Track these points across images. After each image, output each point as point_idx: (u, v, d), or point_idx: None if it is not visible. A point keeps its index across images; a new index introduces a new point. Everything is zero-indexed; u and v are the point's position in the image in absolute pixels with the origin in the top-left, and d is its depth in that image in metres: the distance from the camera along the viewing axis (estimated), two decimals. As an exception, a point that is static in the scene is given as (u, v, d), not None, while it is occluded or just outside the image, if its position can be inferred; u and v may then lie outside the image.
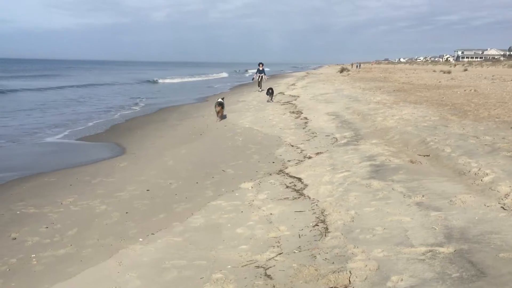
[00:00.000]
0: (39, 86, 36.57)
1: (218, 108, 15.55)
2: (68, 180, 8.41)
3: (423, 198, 5.83)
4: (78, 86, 37.88)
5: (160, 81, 49.37)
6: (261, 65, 27.87)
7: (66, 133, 14.11)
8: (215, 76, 63.96)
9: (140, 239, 5.45)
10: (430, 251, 4.32)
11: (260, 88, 27.01)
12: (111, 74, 66.97)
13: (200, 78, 58.36)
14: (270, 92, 21.62)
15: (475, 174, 6.74)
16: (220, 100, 15.97)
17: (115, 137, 13.18)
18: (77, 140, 12.88)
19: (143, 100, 26.52)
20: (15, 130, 14.66)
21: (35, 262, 4.96)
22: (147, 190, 7.57)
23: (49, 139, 13.03)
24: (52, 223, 6.13)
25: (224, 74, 69.53)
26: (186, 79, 54.17)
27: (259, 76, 27.81)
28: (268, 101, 21.16)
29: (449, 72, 45.67)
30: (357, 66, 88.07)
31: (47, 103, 23.54)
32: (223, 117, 15.65)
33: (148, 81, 48.64)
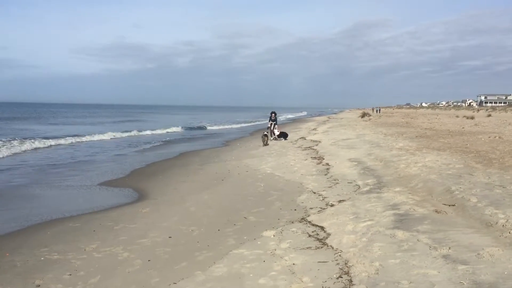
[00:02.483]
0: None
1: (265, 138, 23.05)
2: (91, 225, 8.50)
3: (449, 251, 5.70)
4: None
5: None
6: (273, 114, 26.98)
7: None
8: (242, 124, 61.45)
9: (162, 289, 5.43)
10: (459, 307, 4.19)
11: (272, 136, 25.53)
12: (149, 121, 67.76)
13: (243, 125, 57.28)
14: (268, 134, 24.52)
15: (503, 225, 6.59)
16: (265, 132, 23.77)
17: (137, 182, 13.34)
18: (98, 185, 13.05)
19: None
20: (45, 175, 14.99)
21: (58, 311, 4.97)
22: (169, 237, 7.59)
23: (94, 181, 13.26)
24: (75, 270, 6.18)
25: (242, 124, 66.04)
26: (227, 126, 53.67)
27: (272, 124, 26.40)
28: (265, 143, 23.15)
29: (472, 118, 45.26)
30: (377, 110, 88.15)
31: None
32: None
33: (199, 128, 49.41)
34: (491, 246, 5.75)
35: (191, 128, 47.08)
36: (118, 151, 23.16)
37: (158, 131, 40.14)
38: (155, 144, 27.51)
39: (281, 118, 74.46)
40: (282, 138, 25.65)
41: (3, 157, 19.76)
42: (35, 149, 23.41)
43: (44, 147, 24.35)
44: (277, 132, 26.08)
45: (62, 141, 27.43)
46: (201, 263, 6.28)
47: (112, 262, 6.47)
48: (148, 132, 38.88)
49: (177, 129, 44.11)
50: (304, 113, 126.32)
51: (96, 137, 31.26)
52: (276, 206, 9.59)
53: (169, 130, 42.24)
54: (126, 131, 37.21)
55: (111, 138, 31.84)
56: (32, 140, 25.92)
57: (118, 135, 34.32)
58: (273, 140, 25.00)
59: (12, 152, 21.42)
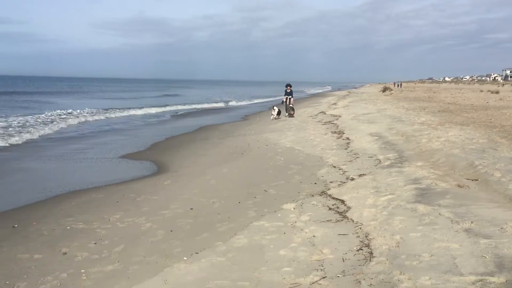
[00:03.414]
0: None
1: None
2: (114, 196, 8.67)
3: (472, 225, 5.65)
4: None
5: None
6: (288, 87, 25.67)
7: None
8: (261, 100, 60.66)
9: (185, 258, 5.54)
10: (480, 280, 4.19)
11: (287, 112, 24.66)
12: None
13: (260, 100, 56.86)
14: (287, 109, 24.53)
15: (528, 200, 6.49)
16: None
17: (158, 155, 13.49)
18: (120, 157, 13.24)
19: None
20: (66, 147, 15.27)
21: (84, 278, 5.13)
22: (191, 208, 7.70)
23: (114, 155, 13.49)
24: (100, 239, 6.33)
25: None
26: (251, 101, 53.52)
27: (287, 98, 25.33)
28: (285, 116, 23.56)
29: (497, 92, 44.20)
30: (398, 85, 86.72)
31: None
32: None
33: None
34: (515, 220, 5.68)
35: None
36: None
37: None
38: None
39: (302, 94, 73.89)
40: (293, 115, 24.11)
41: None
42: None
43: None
44: (291, 109, 24.61)
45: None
46: (222, 234, 6.37)
47: (135, 232, 6.62)
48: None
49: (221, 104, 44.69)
50: (329, 87, 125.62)
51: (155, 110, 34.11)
52: (296, 179, 9.60)
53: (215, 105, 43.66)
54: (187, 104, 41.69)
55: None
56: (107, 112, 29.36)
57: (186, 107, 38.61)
58: (288, 117, 23.63)
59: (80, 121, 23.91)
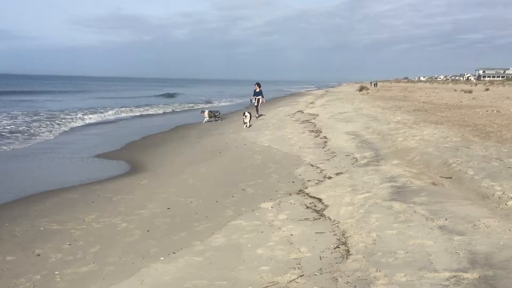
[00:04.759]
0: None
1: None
2: (89, 196, 8.53)
3: (446, 222, 5.75)
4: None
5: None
6: (257, 86, 23.76)
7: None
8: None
9: (162, 258, 5.49)
10: (454, 276, 4.26)
11: (258, 113, 23.39)
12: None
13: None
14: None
15: (499, 197, 6.64)
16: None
17: (134, 154, 13.33)
18: (95, 157, 13.04)
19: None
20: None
21: (58, 279, 5.03)
22: (168, 208, 7.63)
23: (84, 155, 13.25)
24: (75, 240, 6.22)
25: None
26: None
27: (256, 98, 23.65)
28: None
29: (470, 92, 45.12)
30: (374, 84, 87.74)
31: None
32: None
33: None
34: (487, 217, 5.81)
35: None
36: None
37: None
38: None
39: (280, 92, 74.08)
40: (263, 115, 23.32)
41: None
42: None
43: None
44: (263, 102, 23.83)
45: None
46: (199, 234, 6.33)
47: (111, 232, 6.52)
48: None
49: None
50: (313, 86, 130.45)
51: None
52: (274, 178, 9.62)
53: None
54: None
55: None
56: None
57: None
58: (259, 118, 22.54)
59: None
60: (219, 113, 23.84)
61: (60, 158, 12.77)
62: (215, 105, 42.90)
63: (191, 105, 41.44)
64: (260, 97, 23.57)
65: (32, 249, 5.91)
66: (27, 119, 22.76)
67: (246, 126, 19.11)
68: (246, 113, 19.58)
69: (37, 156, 13.07)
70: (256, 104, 23.68)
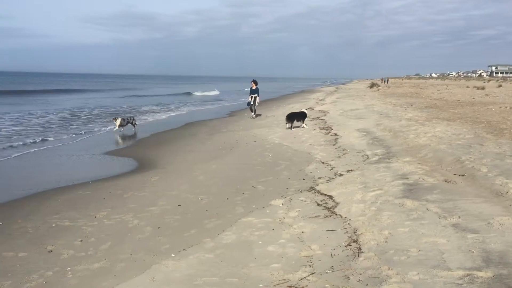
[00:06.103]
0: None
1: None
2: (101, 193, 8.57)
3: (459, 220, 5.68)
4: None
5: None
6: (253, 83, 22.63)
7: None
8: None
9: (172, 255, 5.49)
10: (468, 275, 4.20)
11: (254, 113, 22.40)
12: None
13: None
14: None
15: (514, 195, 6.54)
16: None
17: (144, 152, 13.38)
18: (105, 154, 13.10)
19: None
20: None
21: (70, 276, 5.05)
22: (179, 205, 7.64)
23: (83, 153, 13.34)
24: (86, 236, 6.25)
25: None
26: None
27: (252, 97, 22.54)
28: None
29: (483, 88, 44.67)
30: (385, 81, 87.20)
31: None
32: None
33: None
34: (501, 215, 5.72)
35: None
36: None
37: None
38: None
39: (289, 90, 73.96)
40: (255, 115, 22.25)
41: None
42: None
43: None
44: (258, 101, 22.59)
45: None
46: (210, 231, 6.33)
47: (122, 229, 6.54)
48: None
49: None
50: (328, 83, 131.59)
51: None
52: (285, 175, 9.59)
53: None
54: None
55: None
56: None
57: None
58: (255, 118, 21.78)
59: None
60: (133, 119, 19.50)
61: (73, 155, 12.85)
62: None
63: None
64: (256, 95, 22.49)
65: (44, 245, 5.95)
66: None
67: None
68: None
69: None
70: (251, 103, 22.61)
